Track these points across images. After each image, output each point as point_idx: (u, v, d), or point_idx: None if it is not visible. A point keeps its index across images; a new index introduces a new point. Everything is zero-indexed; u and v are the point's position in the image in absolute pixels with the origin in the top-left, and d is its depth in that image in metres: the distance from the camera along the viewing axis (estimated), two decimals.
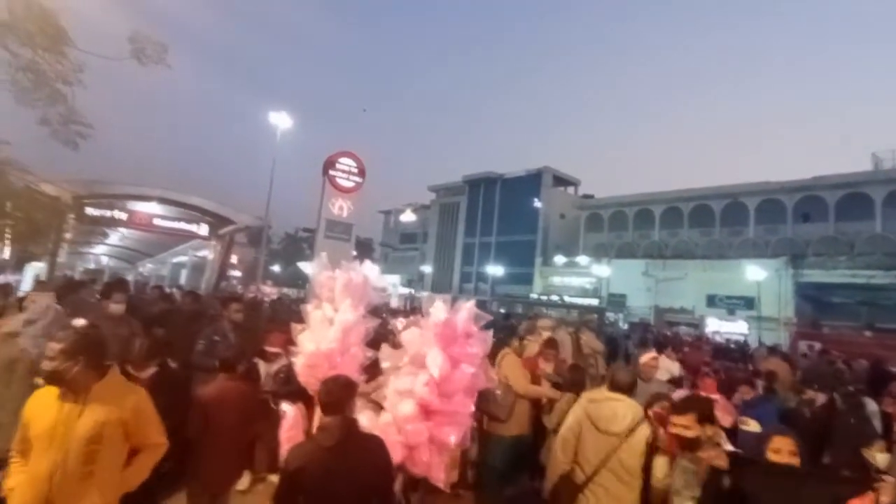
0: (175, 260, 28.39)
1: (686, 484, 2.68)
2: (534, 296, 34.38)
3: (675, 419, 2.83)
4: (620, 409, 3.14)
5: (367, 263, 3.40)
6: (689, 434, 2.76)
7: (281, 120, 18.10)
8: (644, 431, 3.04)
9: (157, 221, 14.89)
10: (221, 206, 15.13)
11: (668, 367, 6.83)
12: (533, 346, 5.18)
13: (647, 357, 4.92)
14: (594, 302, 31.43)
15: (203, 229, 15.25)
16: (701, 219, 34.12)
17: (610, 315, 29.14)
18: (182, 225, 15.33)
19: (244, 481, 4.36)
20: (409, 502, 3.33)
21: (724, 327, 27.04)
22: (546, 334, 5.21)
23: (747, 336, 25.03)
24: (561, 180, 45.17)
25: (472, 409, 2.94)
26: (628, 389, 3.29)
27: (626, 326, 25.76)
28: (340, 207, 12.09)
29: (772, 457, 2.40)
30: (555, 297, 31.88)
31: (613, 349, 14.46)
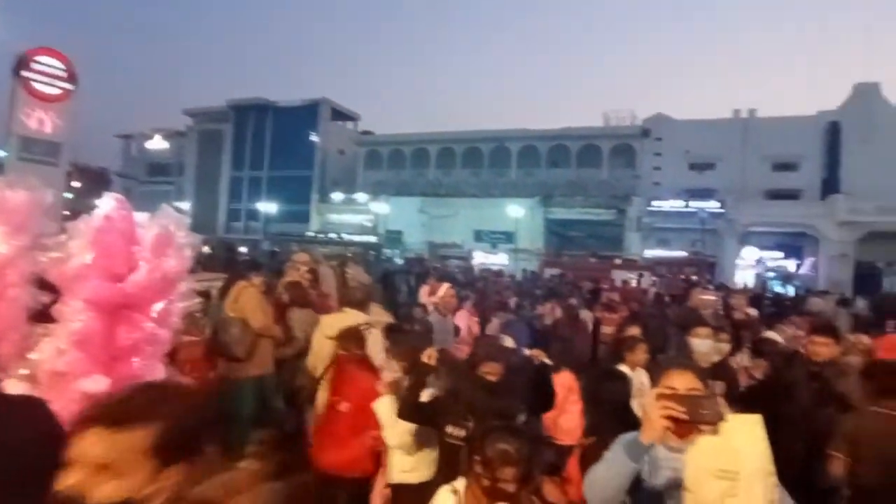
0: None
1: None
2: (310, 233, 33.69)
3: None
4: (342, 319, 3.90)
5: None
6: None
7: None
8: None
9: None
10: None
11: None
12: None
13: (444, 289, 4.93)
14: (372, 239, 32.32)
15: None
16: (472, 160, 37.26)
17: (386, 251, 30.39)
18: None
19: None
20: None
21: (489, 259, 30.63)
22: (303, 269, 4.98)
23: (506, 266, 28.80)
24: (340, 114, 44.10)
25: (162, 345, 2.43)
26: (359, 305, 4.15)
27: (401, 261, 27.18)
28: (41, 121, 9.51)
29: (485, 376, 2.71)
30: (332, 235, 31.79)
31: (389, 283, 15.33)
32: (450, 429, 2.57)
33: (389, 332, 3.95)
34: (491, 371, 2.64)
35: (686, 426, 1.47)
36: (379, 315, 6.10)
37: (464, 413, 2.55)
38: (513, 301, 9.86)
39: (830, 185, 29.92)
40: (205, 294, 5.19)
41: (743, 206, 29.22)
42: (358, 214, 36.93)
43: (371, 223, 35.86)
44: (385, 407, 2.96)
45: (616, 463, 1.55)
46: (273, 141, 42.53)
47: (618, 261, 25.42)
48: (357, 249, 25.13)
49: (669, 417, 1.45)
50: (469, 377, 2.67)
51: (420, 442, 2.85)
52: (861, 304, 15.91)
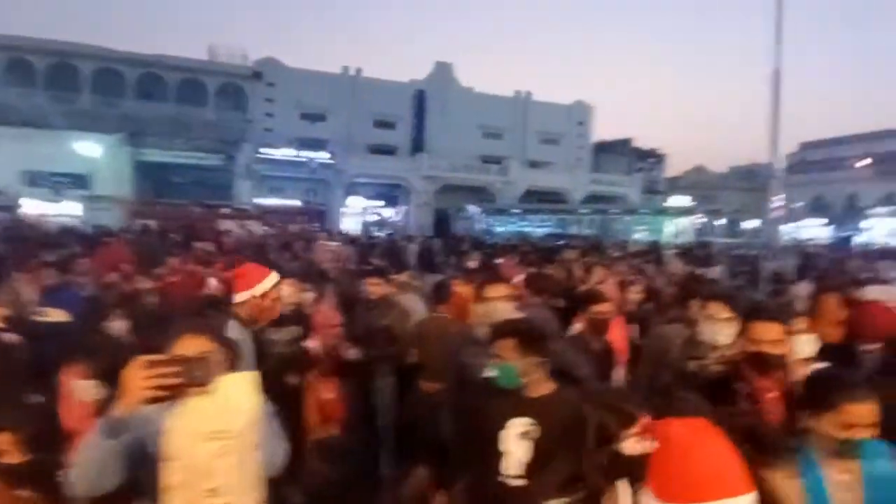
0: None
1: None
2: None
3: None
4: None
5: None
6: None
7: None
8: None
9: None
10: None
11: None
12: None
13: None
14: None
15: None
16: (19, 76, 27.31)
17: None
18: None
19: None
20: None
21: (51, 209, 23.07)
22: None
23: (82, 218, 22.24)
24: None
25: None
26: None
27: None
28: None
29: None
30: None
31: None
32: None
33: None
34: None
35: (179, 390, 1.40)
36: None
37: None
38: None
39: (418, 145, 34.35)
40: None
41: (350, 159, 30.54)
42: None
43: None
44: None
45: (92, 445, 1.45)
46: None
47: (225, 210, 23.11)
48: None
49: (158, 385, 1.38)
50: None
51: None
52: (436, 244, 18.49)
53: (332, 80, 34.07)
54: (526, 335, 2.10)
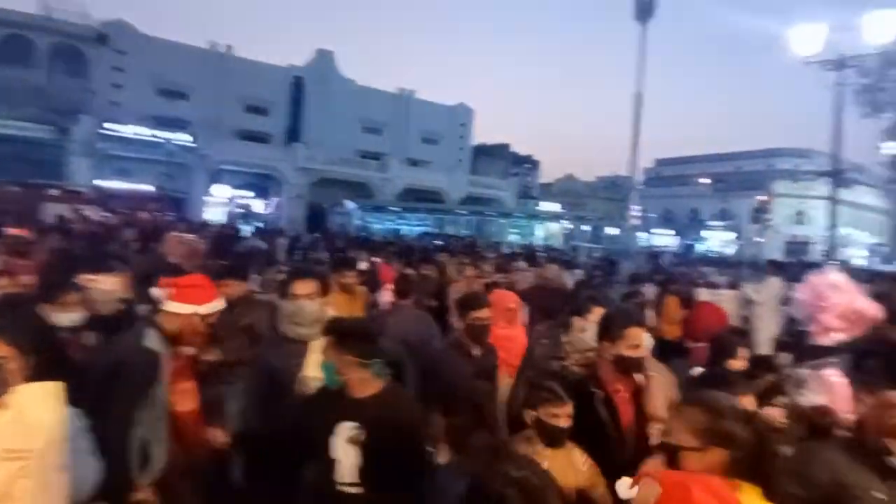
0: None
1: None
2: None
3: None
4: None
5: None
6: None
7: None
8: None
9: None
10: None
11: None
12: None
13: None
14: None
15: None
16: None
17: None
18: None
19: None
20: None
21: None
22: None
23: None
24: None
25: None
26: None
27: None
28: None
29: None
30: None
31: None
32: None
33: None
34: None
35: None
36: None
37: None
38: None
39: (293, 134, 32.95)
40: None
41: (215, 143, 28.38)
42: None
43: None
44: None
45: None
46: None
47: (54, 191, 20.22)
48: None
49: None
50: None
51: None
52: (307, 239, 17.81)
53: (198, 55, 31.48)
54: (340, 334, 2.09)
